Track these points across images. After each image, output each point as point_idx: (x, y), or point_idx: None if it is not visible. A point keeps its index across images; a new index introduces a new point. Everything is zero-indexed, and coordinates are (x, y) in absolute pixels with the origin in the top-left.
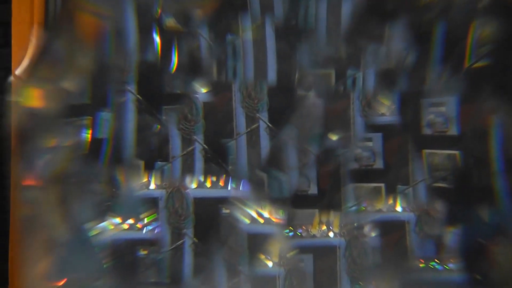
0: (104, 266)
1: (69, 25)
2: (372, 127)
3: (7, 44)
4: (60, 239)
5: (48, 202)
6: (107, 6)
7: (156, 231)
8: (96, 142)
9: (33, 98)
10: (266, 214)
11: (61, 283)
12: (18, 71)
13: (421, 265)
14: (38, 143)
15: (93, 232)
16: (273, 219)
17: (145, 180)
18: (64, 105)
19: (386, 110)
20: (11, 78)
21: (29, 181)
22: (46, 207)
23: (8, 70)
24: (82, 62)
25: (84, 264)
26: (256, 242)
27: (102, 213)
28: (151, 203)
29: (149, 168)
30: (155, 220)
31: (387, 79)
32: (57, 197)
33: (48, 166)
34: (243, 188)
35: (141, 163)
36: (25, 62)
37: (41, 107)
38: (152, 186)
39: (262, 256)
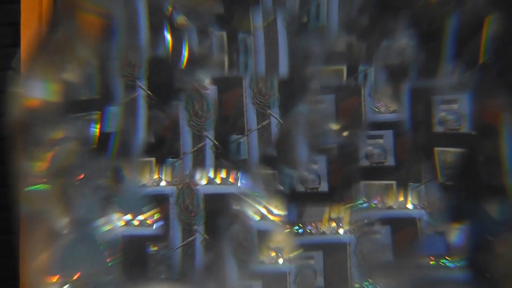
0: (113, 262)
1: (73, 21)
2: (383, 124)
3: (17, 44)
4: (67, 234)
5: (54, 197)
6: (116, 4)
7: (159, 227)
8: (105, 137)
9: (38, 93)
10: (275, 210)
11: (75, 277)
12: (22, 66)
13: (431, 263)
14: (43, 138)
15: (101, 228)
16: (283, 216)
17: (156, 176)
18: (70, 99)
19: (398, 106)
20: (13, 72)
21: (34, 177)
22: (53, 202)
23: (18, 70)
24: (88, 57)
25: (91, 260)
26: (266, 238)
27: (108, 209)
28: (162, 199)
29: (160, 164)
30: (158, 216)
31: (398, 75)
32: (63, 192)
33: (54, 161)
34: (253, 184)
35: (152, 159)
36: (29, 57)
37: (47, 101)
38: (163, 182)
39: (273, 253)
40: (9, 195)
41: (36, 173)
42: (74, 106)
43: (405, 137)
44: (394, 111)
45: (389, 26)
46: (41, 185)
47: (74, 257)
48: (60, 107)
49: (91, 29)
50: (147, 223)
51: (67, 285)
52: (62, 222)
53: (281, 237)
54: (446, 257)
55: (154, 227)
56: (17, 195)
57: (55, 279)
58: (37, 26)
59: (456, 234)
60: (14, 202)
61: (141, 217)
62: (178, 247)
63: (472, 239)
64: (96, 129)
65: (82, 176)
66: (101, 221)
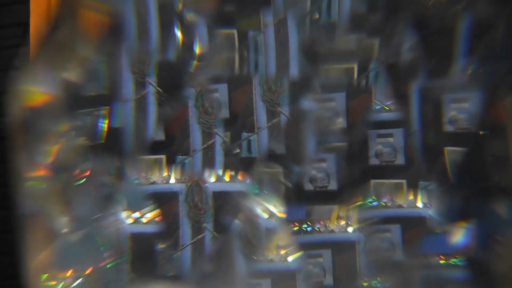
0: (120, 260)
1: (77, 18)
2: (393, 123)
3: (26, 44)
4: (72, 231)
5: (59, 193)
6: (126, 2)
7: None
8: (113, 133)
9: (44, 88)
10: (284, 208)
11: (88, 271)
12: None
13: (441, 262)
14: (49, 132)
15: (107, 225)
16: (291, 214)
17: (165, 174)
18: (77, 95)
19: (408, 105)
20: (18, 72)
21: (38, 172)
22: (57, 199)
23: (23, 69)
24: (94, 53)
25: (96, 257)
26: (275, 236)
27: (114, 206)
28: (171, 197)
29: (170, 162)
30: (167, 214)
31: (408, 73)
32: (68, 189)
33: (60, 155)
34: (262, 182)
35: (163, 157)
36: (36, 54)
37: (53, 97)
38: (172, 180)
39: (282, 251)
40: (11, 193)
41: (40, 168)
42: (82, 102)
43: (415, 136)
44: (404, 110)
45: (399, 24)
46: (44, 181)
47: (80, 255)
48: (67, 102)
49: (97, 26)
50: (155, 220)
51: (80, 279)
52: (66, 219)
53: (289, 236)
54: (456, 256)
55: (162, 224)
56: (20, 193)
57: (68, 273)
58: (46, 26)
59: (465, 233)
60: (17, 200)
61: (149, 215)
62: (188, 245)
63: (481, 239)
64: (104, 125)
65: (88, 173)
66: (107, 218)
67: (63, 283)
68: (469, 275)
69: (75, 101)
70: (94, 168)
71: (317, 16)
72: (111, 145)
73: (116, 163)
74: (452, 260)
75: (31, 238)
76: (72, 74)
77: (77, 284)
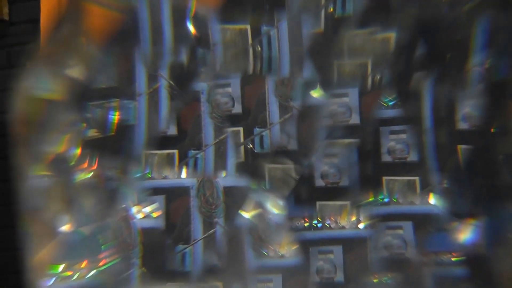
0: (132, 254)
1: (82, 13)
2: (406, 119)
3: (37, 41)
4: (82, 225)
5: (65, 188)
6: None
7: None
8: (123, 126)
9: (49, 85)
10: (294, 204)
11: (101, 263)
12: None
13: (453, 259)
14: (59, 123)
15: (118, 219)
16: (301, 210)
17: (177, 168)
18: (84, 89)
19: (421, 101)
20: (25, 69)
21: (45, 167)
22: (63, 194)
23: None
24: (101, 48)
25: (104, 251)
26: (285, 232)
27: (123, 201)
28: (183, 192)
29: (182, 156)
30: (170, 210)
31: (422, 68)
32: (74, 184)
33: (67, 148)
34: (273, 178)
35: (175, 151)
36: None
37: (60, 93)
38: (183, 175)
39: (293, 247)
40: (14, 189)
41: (47, 162)
42: (92, 94)
43: (428, 133)
44: (417, 106)
45: (413, 18)
46: (51, 174)
47: (90, 248)
48: (76, 95)
49: (107, 22)
50: (166, 215)
51: (94, 271)
52: (73, 213)
53: (300, 231)
54: (465, 254)
55: (173, 219)
56: (23, 188)
57: (83, 264)
58: (55, 22)
59: (476, 231)
60: (21, 195)
61: (159, 210)
62: (199, 240)
63: (491, 236)
64: (114, 117)
65: (96, 166)
66: (117, 213)
67: (78, 273)
68: (477, 273)
69: (84, 94)
70: (103, 161)
71: (332, 10)
72: (122, 138)
73: (127, 157)
74: (462, 258)
75: (36, 232)
76: (80, 68)
77: (91, 275)
